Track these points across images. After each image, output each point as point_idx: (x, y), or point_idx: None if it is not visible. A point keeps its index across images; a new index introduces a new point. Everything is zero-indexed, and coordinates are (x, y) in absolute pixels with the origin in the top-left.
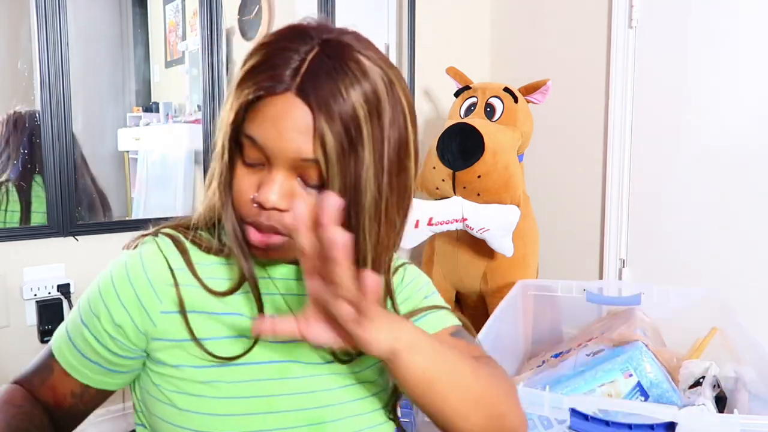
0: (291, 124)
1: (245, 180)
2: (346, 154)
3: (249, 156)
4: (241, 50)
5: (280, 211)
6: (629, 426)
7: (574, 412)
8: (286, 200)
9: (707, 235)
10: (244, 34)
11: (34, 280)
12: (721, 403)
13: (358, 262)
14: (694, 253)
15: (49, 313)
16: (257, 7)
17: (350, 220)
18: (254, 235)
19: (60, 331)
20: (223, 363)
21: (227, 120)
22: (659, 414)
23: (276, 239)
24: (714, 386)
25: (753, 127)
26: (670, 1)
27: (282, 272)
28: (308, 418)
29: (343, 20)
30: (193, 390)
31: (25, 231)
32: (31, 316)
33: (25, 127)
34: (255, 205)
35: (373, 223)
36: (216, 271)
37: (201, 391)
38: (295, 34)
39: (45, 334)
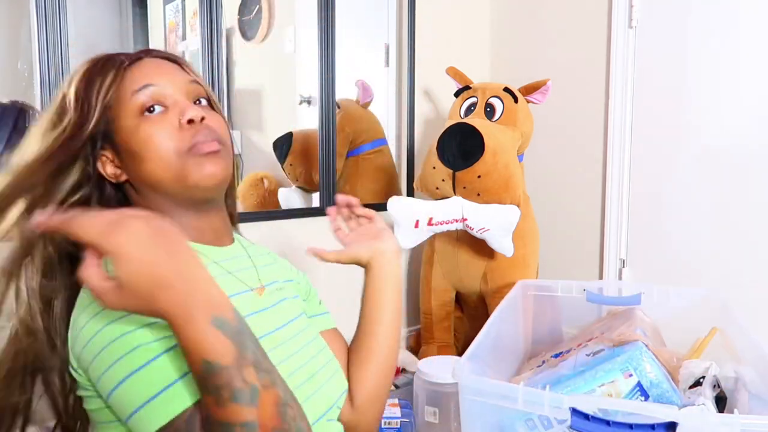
0: (167, 65)
1: (155, 125)
2: (206, 84)
3: (147, 106)
4: (241, 50)
5: (204, 123)
6: (630, 426)
7: (575, 412)
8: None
9: (707, 235)
10: (244, 34)
11: None
12: (721, 403)
13: None
14: (694, 253)
15: None
16: (257, 7)
17: (230, 135)
18: (206, 146)
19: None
20: None
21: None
22: (660, 414)
23: (219, 145)
24: (714, 386)
25: (753, 127)
26: (670, 1)
27: (221, 255)
28: (306, 373)
29: (343, 20)
30: None
31: None
32: None
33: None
34: (186, 126)
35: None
36: None
37: None
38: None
39: None
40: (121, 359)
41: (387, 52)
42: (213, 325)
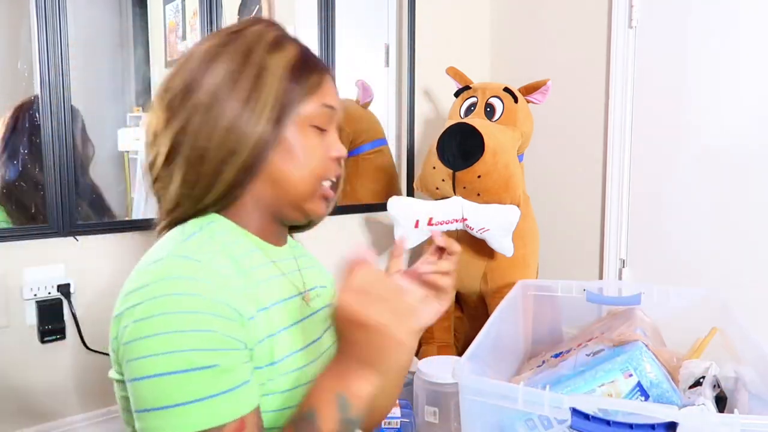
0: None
1: (319, 144)
2: None
3: (320, 122)
4: None
5: (342, 165)
6: (630, 426)
7: (575, 412)
8: None
9: (707, 235)
10: None
11: (34, 280)
12: (721, 403)
13: None
14: (694, 253)
15: (49, 313)
16: (257, 7)
17: None
18: (330, 192)
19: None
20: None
21: (291, 100)
22: (660, 414)
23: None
24: (714, 386)
25: (753, 127)
26: (670, 1)
27: (279, 254)
28: None
29: (343, 20)
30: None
31: (25, 231)
32: (31, 316)
33: (25, 128)
34: (335, 160)
35: None
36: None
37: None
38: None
39: (45, 334)
40: (164, 354)
41: (387, 52)
42: (337, 400)
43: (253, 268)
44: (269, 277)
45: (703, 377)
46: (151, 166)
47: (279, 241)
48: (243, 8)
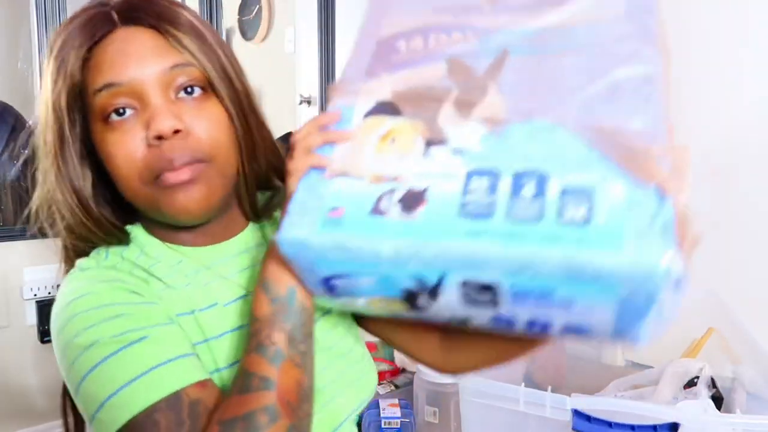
0: (142, 46)
1: (120, 141)
2: (207, 53)
3: (111, 109)
4: (241, 50)
5: (183, 135)
6: (632, 427)
7: (577, 413)
8: (181, 120)
9: (707, 235)
10: (244, 34)
11: (34, 280)
12: (717, 403)
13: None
14: (693, 253)
15: (49, 313)
16: (257, 7)
17: (241, 117)
18: (173, 176)
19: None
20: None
21: (60, 93)
22: (662, 414)
23: (198, 167)
24: (709, 386)
25: (753, 127)
26: (670, 1)
27: (219, 254)
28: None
29: (343, 20)
30: None
31: (25, 231)
32: (31, 316)
33: (25, 128)
34: (154, 142)
35: (251, 116)
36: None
37: None
38: (88, 6)
39: (45, 334)
40: (88, 349)
41: None
42: (261, 286)
43: (178, 282)
44: (206, 283)
45: (697, 377)
46: None
47: (213, 238)
48: (243, 8)
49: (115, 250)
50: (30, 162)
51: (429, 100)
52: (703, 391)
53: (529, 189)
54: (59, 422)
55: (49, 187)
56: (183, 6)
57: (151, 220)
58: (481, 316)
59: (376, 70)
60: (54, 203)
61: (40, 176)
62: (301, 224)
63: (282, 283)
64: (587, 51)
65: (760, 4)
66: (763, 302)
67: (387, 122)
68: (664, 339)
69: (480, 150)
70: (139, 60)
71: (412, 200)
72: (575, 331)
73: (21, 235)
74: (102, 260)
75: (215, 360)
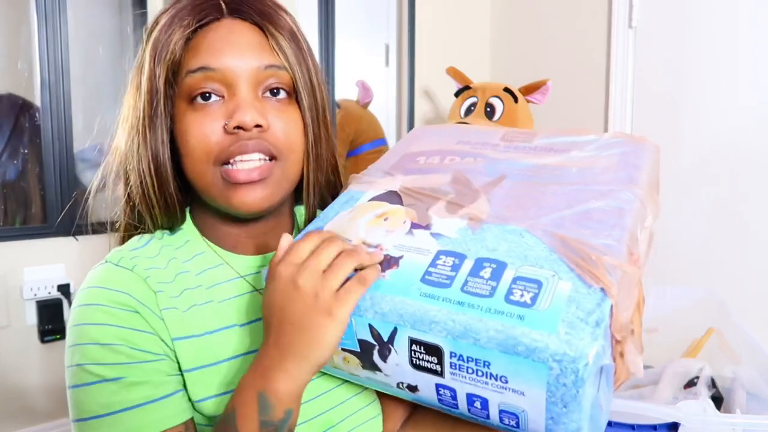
0: (243, 39)
1: (199, 122)
2: (299, 60)
3: (199, 91)
4: None
5: (261, 130)
6: (632, 426)
7: None
8: (264, 117)
9: (706, 235)
10: None
11: (34, 280)
12: (717, 403)
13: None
14: (693, 253)
15: (49, 313)
16: None
17: (315, 128)
18: (241, 174)
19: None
20: None
21: (160, 67)
22: (662, 414)
23: (268, 166)
24: (709, 386)
25: (753, 127)
26: (670, 1)
27: (246, 265)
28: (325, 422)
29: (343, 20)
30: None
31: (25, 231)
32: (31, 316)
33: (25, 128)
34: (233, 131)
35: (323, 128)
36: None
37: None
38: None
39: (45, 334)
40: (72, 367)
41: (387, 52)
42: (258, 397)
43: (207, 286)
44: (233, 296)
45: (697, 377)
46: None
47: (255, 247)
48: None
49: (158, 238)
50: (30, 162)
51: (428, 197)
52: (703, 391)
53: (487, 272)
54: (59, 422)
55: (128, 153)
56: (285, 9)
57: (204, 209)
58: (428, 386)
59: (393, 172)
60: (130, 172)
61: (119, 142)
62: None
63: (282, 404)
64: (572, 186)
65: (761, 5)
66: (763, 302)
67: (386, 205)
68: (664, 339)
69: (455, 237)
70: (237, 51)
71: (386, 263)
72: (511, 415)
73: (21, 235)
74: (126, 258)
75: (226, 383)
